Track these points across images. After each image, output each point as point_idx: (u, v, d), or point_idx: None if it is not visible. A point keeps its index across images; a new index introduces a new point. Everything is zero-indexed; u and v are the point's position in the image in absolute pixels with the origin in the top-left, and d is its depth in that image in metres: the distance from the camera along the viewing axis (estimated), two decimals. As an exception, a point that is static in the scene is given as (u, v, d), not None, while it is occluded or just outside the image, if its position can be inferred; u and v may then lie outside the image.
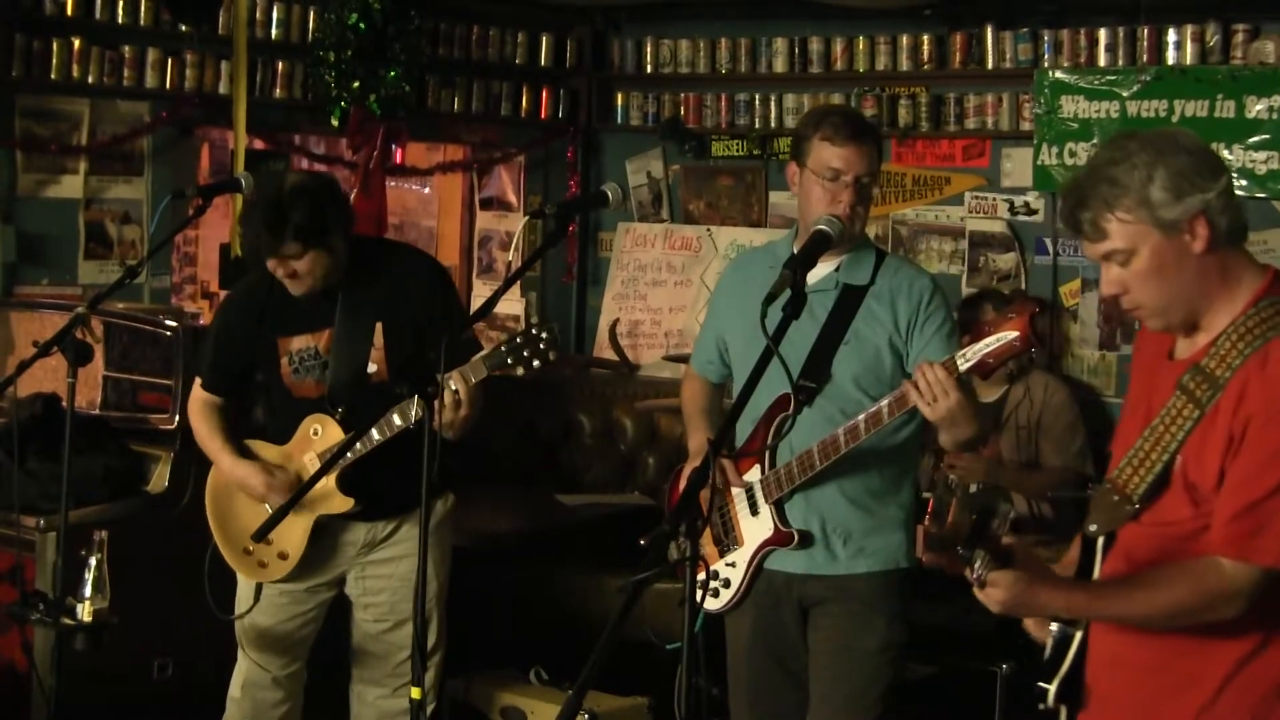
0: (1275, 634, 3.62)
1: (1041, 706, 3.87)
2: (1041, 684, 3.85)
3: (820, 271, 5.08)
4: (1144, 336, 3.91)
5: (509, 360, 5.10)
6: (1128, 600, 3.68)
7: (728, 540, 5.33)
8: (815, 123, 5.16)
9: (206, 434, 6.01)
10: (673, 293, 9.75)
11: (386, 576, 5.96)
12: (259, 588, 5.95)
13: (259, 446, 5.99)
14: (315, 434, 5.84)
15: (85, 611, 5.31)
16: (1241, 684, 3.64)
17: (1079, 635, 3.82)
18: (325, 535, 5.93)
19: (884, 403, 4.90)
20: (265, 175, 6.06)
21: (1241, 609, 3.54)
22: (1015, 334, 4.52)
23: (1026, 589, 3.68)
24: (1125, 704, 3.78)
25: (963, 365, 4.63)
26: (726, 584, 5.32)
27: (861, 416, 4.92)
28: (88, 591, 5.31)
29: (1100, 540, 3.79)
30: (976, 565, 3.73)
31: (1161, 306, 3.65)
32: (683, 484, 5.37)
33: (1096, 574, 3.81)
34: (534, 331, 5.09)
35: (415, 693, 4.81)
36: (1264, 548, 3.50)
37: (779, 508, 5.20)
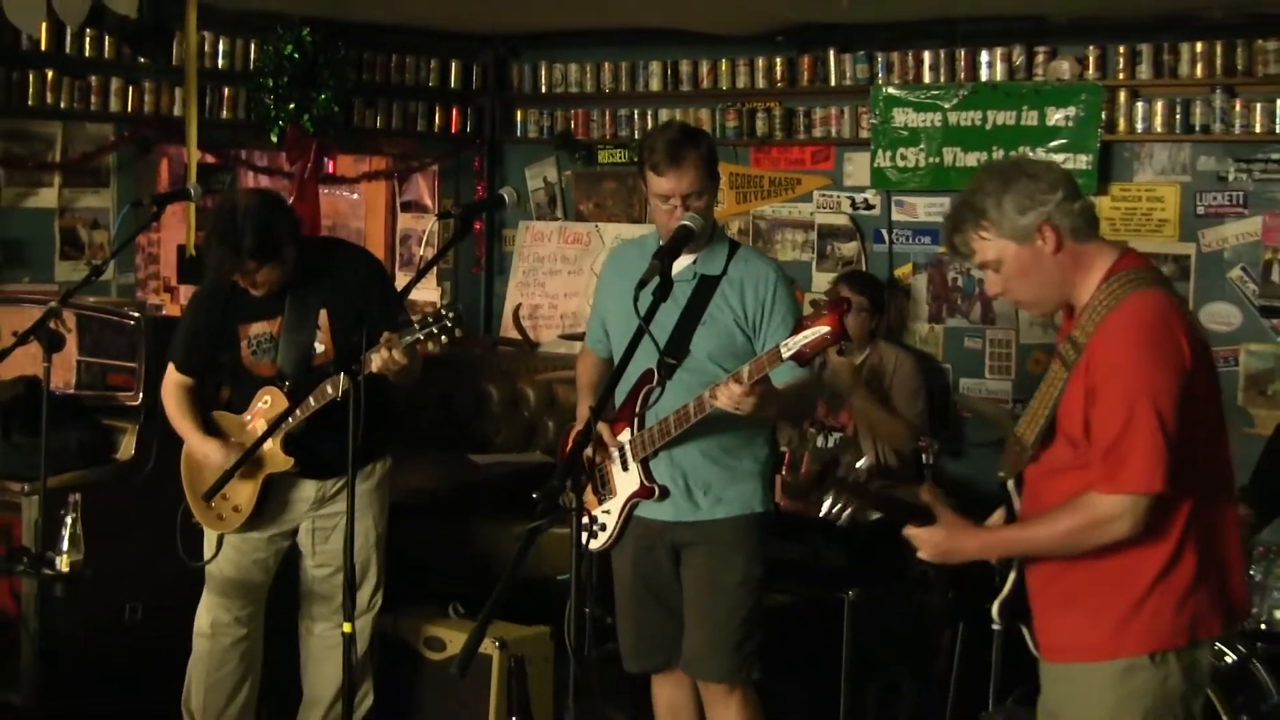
0: (1187, 545, 3.79)
1: (995, 626, 4.13)
2: (989, 607, 4.11)
3: (681, 264, 5.12)
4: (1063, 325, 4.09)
5: (421, 336, 5.11)
6: (1032, 536, 3.90)
7: (604, 491, 5.37)
8: (644, 153, 5.16)
9: (178, 414, 6.03)
10: (567, 280, 9.75)
11: (333, 528, 6.00)
12: (221, 538, 5.97)
13: (221, 416, 6.04)
14: (265, 404, 5.88)
15: (63, 564, 5.29)
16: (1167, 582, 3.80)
17: (1015, 564, 4.04)
18: (281, 492, 5.98)
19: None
20: (219, 200, 6.02)
21: (1129, 528, 3.71)
22: (827, 329, 4.61)
23: (947, 539, 3.93)
24: (1080, 595, 3.91)
25: (785, 354, 4.69)
26: (604, 528, 5.36)
27: (705, 393, 4.95)
28: (65, 547, 5.29)
29: (1012, 483, 4.00)
30: (826, 504, 3.89)
31: (1035, 299, 3.94)
32: (570, 445, 5.41)
33: (1017, 509, 4.02)
34: (443, 312, 5.10)
35: (347, 627, 4.84)
36: (1127, 478, 3.68)
37: (645, 465, 5.25)
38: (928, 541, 3.93)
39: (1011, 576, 4.06)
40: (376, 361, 5.20)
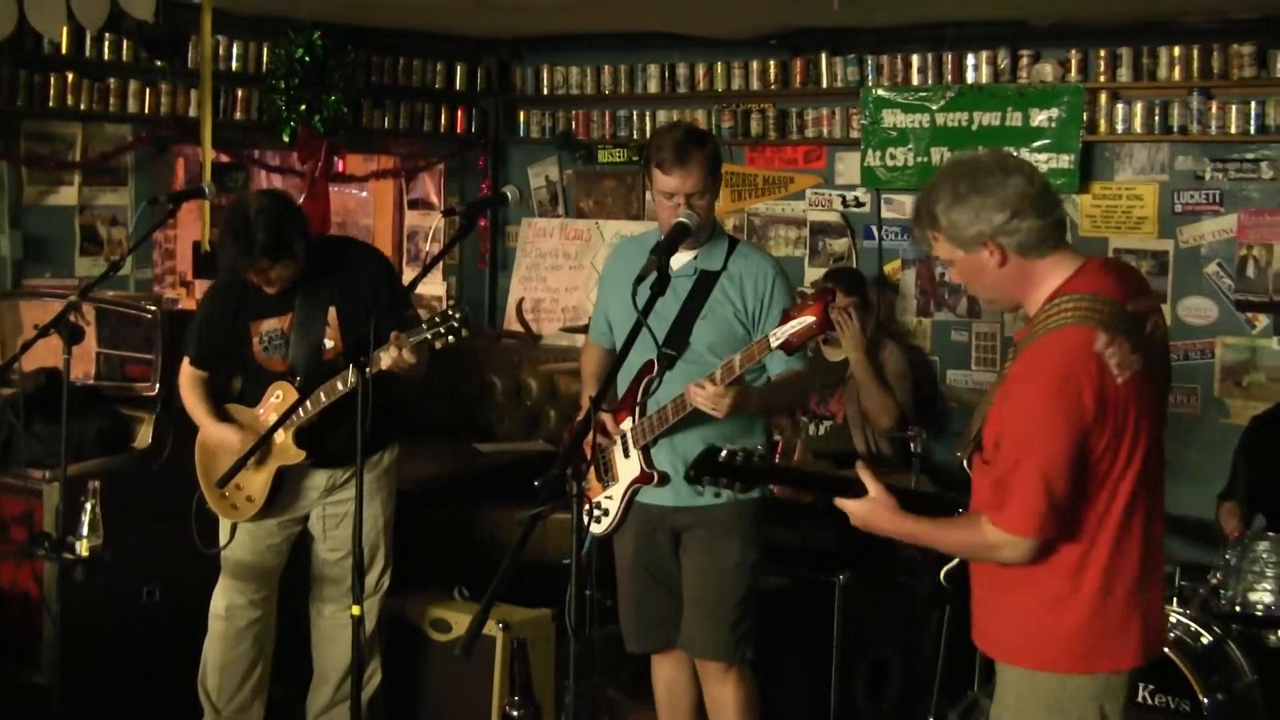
0: (1083, 581, 3.76)
1: (945, 585, 4.18)
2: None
3: (682, 259, 5.14)
4: None
5: (427, 336, 5.12)
6: (935, 537, 3.91)
7: (607, 477, 5.39)
8: (651, 151, 5.18)
9: (193, 402, 6.03)
10: (568, 275, 9.76)
11: (343, 515, 5.99)
12: (234, 525, 5.97)
13: (235, 409, 6.02)
14: (277, 398, 5.88)
15: (83, 548, 5.29)
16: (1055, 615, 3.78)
17: None
18: (293, 481, 5.97)
19: (686, 394, 5.01)
20: (230, 202, 6.02)
21: (1015, 557, 3.72)
22: (813, 319, 4.66)
23: (868, 514, 3.92)
24: (998, 594, 3.92)
25: (774, 343, 4.74)
26: (606, 513, 5.38)
27: (685, 393, 5.00)
28: (85, 531, 5.29)
29: (966, 463, 3.97)
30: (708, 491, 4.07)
31: (987, 299, 3.94)
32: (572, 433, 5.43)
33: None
34: (450, 312, 5.11)
35: (355, 609, 4.85)
36: (1005, 518, 3.69)
37: (645, 452, 5.27)
38: (852, 511, 3.95)
39: None
40: (386, 360, 5.22)
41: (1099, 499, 3.70)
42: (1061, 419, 3.60)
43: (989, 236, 3.72)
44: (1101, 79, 8.02)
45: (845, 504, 3.97)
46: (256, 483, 5.89)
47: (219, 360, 6.06)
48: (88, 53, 8.10)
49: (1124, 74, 7.96)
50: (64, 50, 7.97)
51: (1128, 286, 3.79)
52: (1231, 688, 5.73)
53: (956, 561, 4.12)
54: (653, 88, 9.47)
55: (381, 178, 9.99)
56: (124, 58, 8.24)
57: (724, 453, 4.00)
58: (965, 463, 4.01)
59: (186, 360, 6.06)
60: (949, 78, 8.44)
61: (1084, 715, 3.80)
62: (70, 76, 8.02)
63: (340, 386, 5.52)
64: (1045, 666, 3.81)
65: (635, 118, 9.58)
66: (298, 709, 6.37)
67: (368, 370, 4.78)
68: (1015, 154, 3.90)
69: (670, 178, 5.09)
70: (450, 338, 5.10)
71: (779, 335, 4.72)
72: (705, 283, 5.23)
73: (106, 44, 8.15)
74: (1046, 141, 7.99)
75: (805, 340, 4.73)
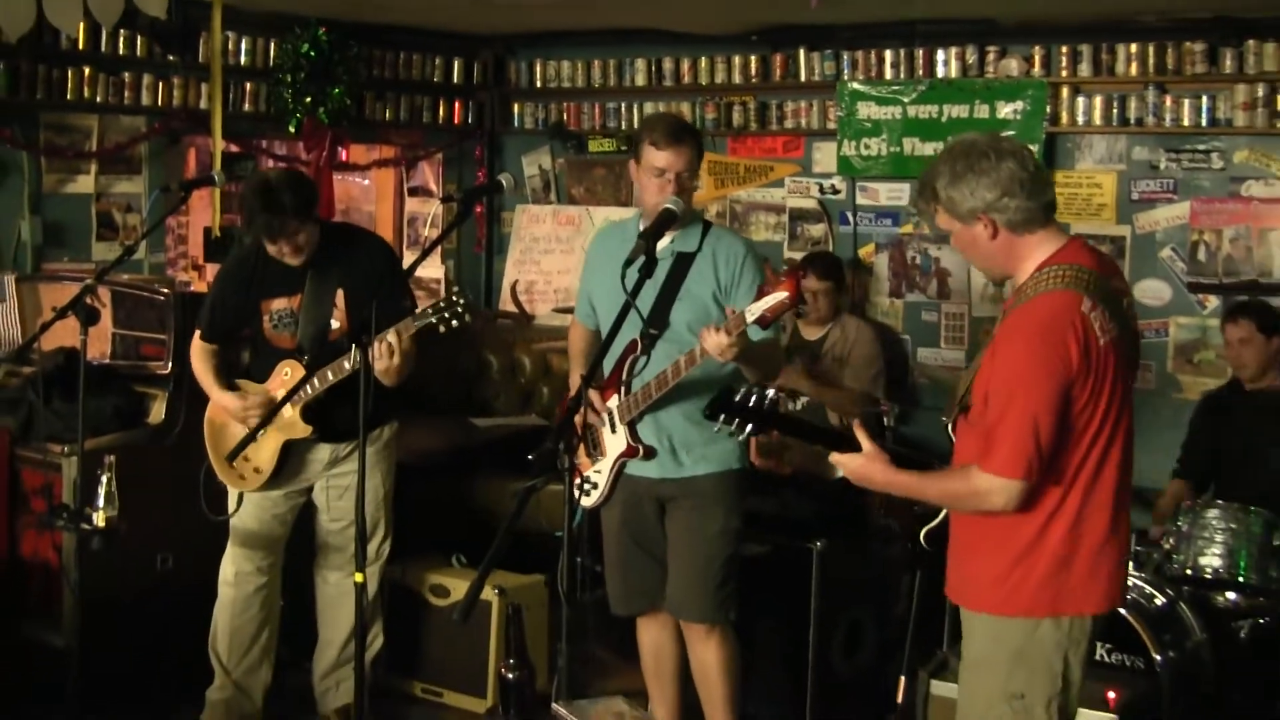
0: (1053, 526, 3.85)
1: (925, 546, 4.36)
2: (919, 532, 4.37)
3: (660, 243, 5.14)
4: None
5: (432, 320, 5.13)
6: (925, 487, 3.98)
7: (596, 452, 5.40)
8: (645, 129, 5.23)
9: (203, 372, 6.04)
10: (560, 259, 9.77)
11: (346, 486, 6.01)
12: (241, 495, 5.99)
13: (245, 385, 6.02)
14: (286, 375, 5.88)
15: (100, 519, 5.31)
16: (1037, 551, 3.87)
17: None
18: (298, 453, 5.99)
19: (681, 358, 5.02)
20: (247, 181, 6.02)
21: (1003, 503, 3.79)
22: (786, 294, 4.66)
23: (862, 467, 4.00)
24: (971, 549, 4.01)
25: (750, 317, 4.73)
26: (595, 486, 5.40)
27: (681, 359, 5.02)
28: (101, 503, 5.31)
29: (950, 426, 4.07)
30: (723, 429, 4.12)
31: (981, 267, 4.06)
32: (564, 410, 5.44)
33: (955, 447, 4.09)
34: (453, 299, 5.13)
35: (358, 576, 4.86)
36: (995, 463, 3.76)
37: (631, 427, 5.29)
38: (847, 466, 4.02)
39: (944, 511, 4.21)
40: (381, 364, 5.23)
41: (1077, 449, 3.81)
42: (1048, 367, 3.71)
43: (982, 211, 3.85)
44: (1063, 74, 8.04)
45: (842, 458, 4.04)
46: (264, 455, 5.91)
47: (228, 336, 6.08)
48: (103, 48, 8.08)
49: (1084, 69, 7.98)
50: (81, 46, 7.95)
51: (1106, 266, 3.94)
52: (1183, 646, 5.78)
53: (937, 522, 4.18)
54: (640, 81, 9.46)
55: (383, 166, 9.98)
56: (138, 53, 8.21)
57: (740, 394, 4.04)
58: (950, 427, 4.07)
59: (197, 334, 6.08)
60: (920, 72, 8.45)
61: (1049, 663, 3.87)
62: (87, 70, 8.00)
63: (346, 366, 5.54)
64: (1015, 612, 3.88)
65: (624, 110, 9.59)
66: (304, 670, 6.40)
67: (370, 351, 4.79)
68: (1012, 139, 3.97)
69: (663, 154, 5.13)
70: (454, 322, 5.12)
71: (754, 311, 4.73)
72: (682, 264, 5.25)
73: (121, 39, 8.12)
74: (1011, 133, 7.97)
75: (779, 315, 4.75)
